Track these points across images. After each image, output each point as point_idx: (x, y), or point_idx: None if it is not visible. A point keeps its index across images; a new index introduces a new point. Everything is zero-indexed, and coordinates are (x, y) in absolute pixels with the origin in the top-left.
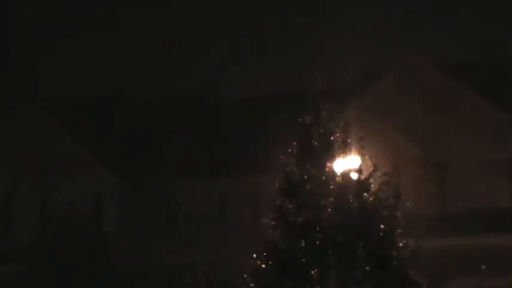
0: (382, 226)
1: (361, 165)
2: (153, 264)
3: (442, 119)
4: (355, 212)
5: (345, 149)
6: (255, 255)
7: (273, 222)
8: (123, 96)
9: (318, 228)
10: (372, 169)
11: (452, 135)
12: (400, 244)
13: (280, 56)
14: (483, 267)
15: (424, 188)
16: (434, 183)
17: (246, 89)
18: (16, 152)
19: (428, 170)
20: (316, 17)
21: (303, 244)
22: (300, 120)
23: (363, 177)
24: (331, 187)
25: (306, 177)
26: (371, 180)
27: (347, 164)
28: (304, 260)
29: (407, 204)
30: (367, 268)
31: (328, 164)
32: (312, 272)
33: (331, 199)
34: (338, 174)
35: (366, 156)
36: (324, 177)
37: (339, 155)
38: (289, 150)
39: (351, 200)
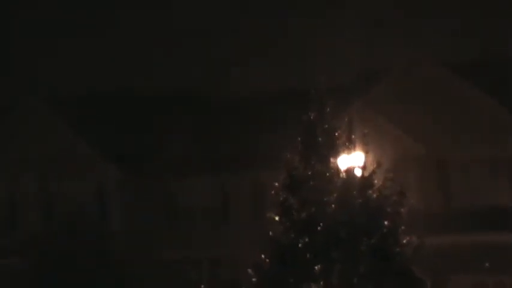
0: (385, 222)
1: (365, 162)
2: (156, 262)
3: (445, 117)
4: (358, 209)
5: (349, 145)
6: (258, 251)
7: (277, 218)
8: (126, 95)
9: (321, 224)
10: (375, 166)
11: (455, 133)
12: (404, 241)
13: (281, 55)
14: (486, 264)
15: (427, 186)
16: (437, 180)
17: (247, 88)
18: (19, 150)
19: (431, 167)
20: (317, 17)
21: (307, 240)
22: (304, 116)
23: (366, 173)
24: (335, 183)
25: (309, 173)
26: (375, 177)
27: (351, 160)
28: (307, 255)
29: (411, 201)
30: (370, 264)
31: (332, 160)
32: (316, 267)
33: (335, 195)
34: (342, 170)
35: (370, 153)
36: (327, 174)
37: (342, 151)
38: (293, 147)
39: (354, 197)
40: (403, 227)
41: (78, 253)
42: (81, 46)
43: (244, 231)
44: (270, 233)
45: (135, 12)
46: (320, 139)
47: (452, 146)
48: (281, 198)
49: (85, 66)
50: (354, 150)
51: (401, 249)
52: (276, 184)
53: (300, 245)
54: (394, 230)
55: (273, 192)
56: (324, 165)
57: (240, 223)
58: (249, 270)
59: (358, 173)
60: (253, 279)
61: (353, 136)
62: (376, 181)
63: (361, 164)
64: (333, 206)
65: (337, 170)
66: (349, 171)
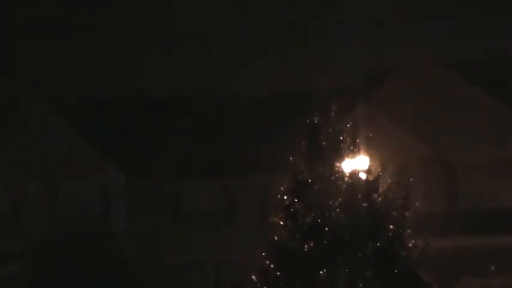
0: (391, 226)
1: (369, 166)
2: (161, 264)
3: (449, 119)
4: (363, 212)
5: (353, 149)
6: (263, 255)
7: (282, 222)
8: (126, 96)
9: (326, 228)
10: (380, 169)
11: (460, 135)
12: (409, 244)
13: (280, 56)
14: (492, 267)
15: (432, 188)
16: (443, 183)
17: (249, 89)
18: (23, 151)
19: (436, 169)
20: (318, 18)
21: (312, 244)
22: (308, 120)
23: (371, 177)
24: (340, 187)
25: (314, 177)
26: (380, 180)
27: (356, 164)
28: (312, 259)
29: (416, 204)
30: (375, 268)
31: (337, 164)
32: (321, 271)
33: (340, 199)
34: (347, 174)
35: (375, 156)
36: (332, 177)
37: (347, 155)
38: (298, 150)
39: (359, 200)
40: (408, 230)
41: (81, 255)
42: (82, 47)
43: (247, 234)
44: (275, 237)
45: (136, 12)
46: (324, 143)
47: (457, 148)
48: (286, 202)
49: (86, 67)
50: (359, 153)
51: (407, 252)
52: (281, 188)
53: (305, 249)
54: (400, 234)
55: (278, 196)
56: (329, 169)
57: (243, 225)
58: (253, 276)
59: (363, 176)
60: (258, 284)
61: (358, 140)
62: (381, 184)
63: (366, 167)
64: (337, 210)
65: (342, 173)
66: (354, 175)
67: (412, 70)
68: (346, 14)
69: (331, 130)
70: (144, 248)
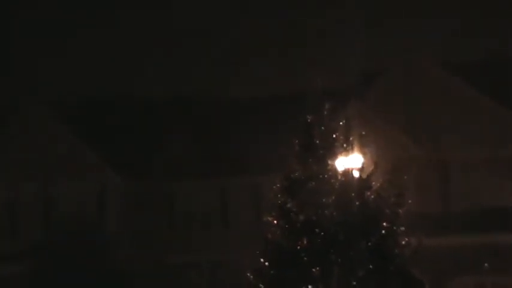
0: (384, 224)
1: (363, 163)
2: (156, 264)
3: (444, 118)
4: (357, 210)
5: (346, 147)
6: (257, 254)
7: (275, 221)
8: (125, 97)
9: (319, 226)
10: (373, 167)
11: (454, 134)
12: (403, 242)
13: (280, 56)
14: (486, 265)
15: (426, 186)
16: (436, 181)
17: (247, 89)
18: (19, 152)
19: (431, 168)
20: (316, 17)
21: (305, 242)
22: (301, 118)
23: (364, 175)
24: (333, 185)
25: (307, 175)
26: (373, 178)
27: (349, 162)
28: (306, 258)
29: (410, 202)
30: (369, 266)
31: (330, 162)
32: (314, 270)
33: (333, 197)
34: (340, 172)
35: (368, 155)
36: (325, 176)
37: (340, 153)
38: (291, 149)
39: (352, 198)
40: (401, 228)
41: (79, 255)
42: (81, 47)
43: (243, 234)
44: (269, 236)
45: (136, 12)
46: (318, 141)
47: (452, 147)
48: (279, 201)
49: (85, 68)
50: (352, 152)
51: (400, 250)
52: (275, 187)
53: (298, 248)
54: (393, 231)
55: (271, 195)
56: (322, 167)
57: (239, 226)
58: (248, 274)
59: (356, 174)
60: (253, 283)
61: (351, 138)
62: (374, 183)
63: (359, 165)
64: (331, 208)
65: (335, 171)
66: (347, 173)
67: (408, 69)
68: (344, 13)
69: (323, 128)
70: (141, 248)
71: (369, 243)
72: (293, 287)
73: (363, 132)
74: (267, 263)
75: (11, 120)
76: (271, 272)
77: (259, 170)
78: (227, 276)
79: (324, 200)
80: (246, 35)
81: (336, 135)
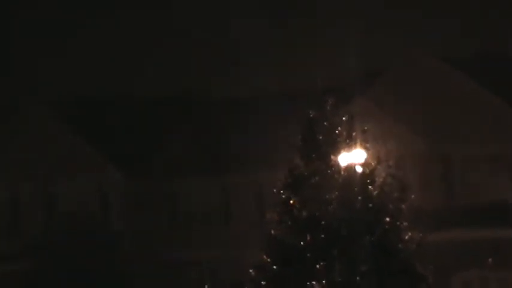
0: (387, 219)
1: (365, 159)
2: (158, 263)
3: (447, 113)
4: (360, 206)
5: (349, 142)
6: (260, 250)
7: (278, 217)
8: (126, 96)
9: (323, 222)
10: (376, 162)
11: (457, 129)
12: (406, 237)
13: (281, 54)
14: (489, 260)
15: (429, 182)
16: (439, 176)
17: (247, 88)
18: (22, 151)
19: (433, 163)
20: (317, 15)
21: (308, 238)
22: (304, 114)
23: (367, 170)
24: (336, 181)
25: (310, 171)
26: (376, 174)
27: (352, 157)
28: (309, 254)
29: (413, 197)
30: (372, 262)
31: (333, 158)
32: (318, 265)
33: (336, 193)
34: (343, 168)
35: (371, 150)
36: (329, 171)
37: (343, 148)
38: (294, 145)
39: (355, 194)
40: (404, 223)
41: (80, 254)
42: (81, 47)
43: (245, 231)
44: (272, 232)
45: (135, 12)
46: (320, 137)
47: (455, 142)
48: (282, 197)
49: (85, 67)
50: (355, 147)
51: (404, 245)
52: (278, 183)
53: (301, 244)
54: (396, 227)
55: (274, 190)
56: (325, 163)
57: (241, 223)
58: (251, 271)
59: (359, 170)
60: (256, 280)
61: (354, 133)
62: (377, 178)
63: (362, 161)
64: (334, 203)
65: (338, 167)
66: (350, 169)
67: (410, 65)
68: (347, 10)
69: (326, 124)
70: (143, 246)
71: (372, 239)
72: (296, 283)
73: (366, 128)
74: (269, 260)
75: (12, 120)
76: (274, 268)
77: (260, 167)
78: (229, 274)
79: (327, 195)
80: (247, 33)
81: (339, 131)
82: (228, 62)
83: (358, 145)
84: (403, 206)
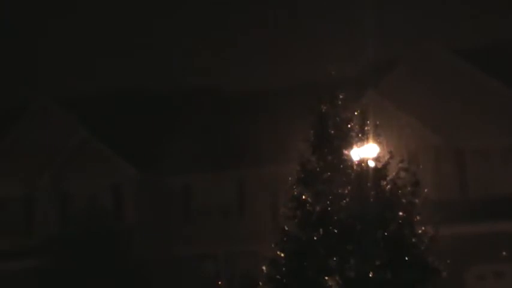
0: (400, 213)
1: (378, 153)
2: (173, 256)
3: (461, 106)
4: (373, 200)
5: (361, 137)
6: (273, 245)
7: (291, 212)
8: (140, 90)
9: (335, 217)
10: (389, 156)
11: (471, 122)
12: (419, 231)
13: (292, 47)
14: (504, 253)
15: (443, 175)
16: (453, 169)
17: (260, 82)
18: (34, 146)
19: (448, 156)
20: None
21: (321, 233)
22: (316, 108)
23: (380, 164)
24: (349, 175)
25: (323, 166)
26: (388, 168)
27: (364, 152)
28: (322, 249)
29: (426, 190)
30: (386, 256)
31: (345, 153)
32: (331, 260)
33: (349, 187)
34: (355, 162)
35: (383, 144)
36: (341, 166)
37: (355, 143)
38: (306, 140)
39: (368, 188)
40: (418, 217)
41: (92, 249)
42: (89, 44)
43: (259, 226)
44: (285, 228)
45: (142, 6)
46: (332, 131)
47: (469, 135)
48: (295, 192)
49: (97, 62)
50: (367, 141)
51: (417, 239)
52: (290, 178)
53: (315, 239)
54: (409, 221)
55: (286, 186)
56: (337, 158)
57: (255, 217)
58: (263, 266)
59: (371, 164)
60: (269, 274)
61: (366, 127)
62: (389, 172)
63: (375, 155)
64: (346, 198)
65: (351, 162)
66: (363, 163)
67: (422, 57)
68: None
69: (338, 118)
70: (156, 241)
71: (386, 233)
72: (310, 278)
73: (378, 122)
74: (283, 255)
75: (23, 116)
76: (287, 263)
77: (275, 160)
78: (242, 268)
79: (339, 190)
80: (261, 24)
81: (351, 125)
82: (242, 54)
83: (370, 139)
84: (416, 200)
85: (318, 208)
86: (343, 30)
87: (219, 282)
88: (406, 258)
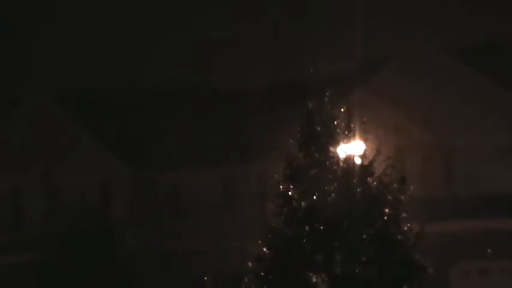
0: (386, 210)
1: (364, 150)
2: (162, 253)
3: (450, 104)
4: (359, 197)
5: (348, 134)
6: (260, 242)
7: (277, 208)
8: (129, 86)
9: (322, 214)
10: (375, 153)
11: (460, 120)
12: (405, 228)
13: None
14: (489, 251)
15: (430, 172)
16: (440, 167)
17: (247, 80)
18: (24, 142)
19: (435, 153)
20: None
21: (307, 229)
22: (303, 105)
23: (366, 161)
24: (335, 172)
25: (309, 162)
26: (375, 165)
27: (351, 149)
28: (308, 245)
29: (412, 188)
30: (372, 252)
31: (332, 149)
32: (317, 257)
33: (335, 184)
34: (342, 159)
35: (370, 141)
36: (327, 163)
37: (342, 140)
38: (293, 136)
39: (355, 185)
40: (404, 214)
41: (82, 245)
42: (82, 41)
43: (247, 223)
44: (272, 224)
45: (137, 7)
46: (319, 128)
47: (458, 133)
48: (282, 189)
49: (88, 59)
50: (354, 138)
51: (403, 236)
52: (276, 175)
53: (301, 235)
54: (395, 218)
55: (274, 182)
56: (324, 155)
57: (243, 214)
58: (249, 263)
59: (358, 161)
60: (255, 271)
61: (352, 125)
62: (376, 169)
63: (361, 152)
64: (333, 195)
65: (337, 159)
66: (349, 160)
67: (411, 55)
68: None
69: (324, 115)
70: (145, 237)
71: (372, 230)
72: (296, 274)
73: (364, 119)
74: (269, 251)
75: (15, 111)
76: (274, 260)
77: (262, 157)
78: (231, 263)
79: (326, 187)
80: (248, 23)
81: (337, 122)
82: (230, 51)
83: (357, 136)
84: (403, 197)
85: (304, 204)
86: (332, 28)
87: (205, 278)
88: (392, 255)
